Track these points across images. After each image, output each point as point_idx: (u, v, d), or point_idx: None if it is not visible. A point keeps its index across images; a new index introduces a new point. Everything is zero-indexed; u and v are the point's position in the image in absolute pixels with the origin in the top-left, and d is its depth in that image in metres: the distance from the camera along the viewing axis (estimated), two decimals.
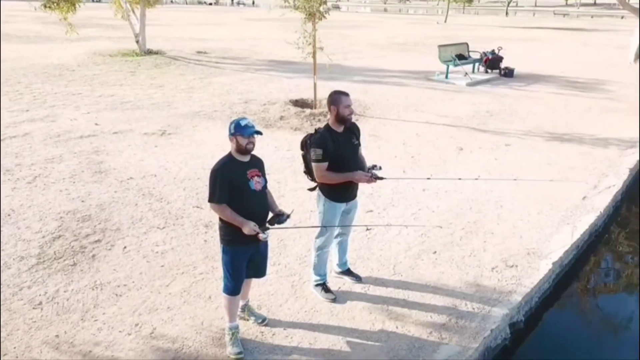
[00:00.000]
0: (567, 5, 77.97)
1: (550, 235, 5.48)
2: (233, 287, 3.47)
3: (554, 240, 5.39)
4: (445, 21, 39.74)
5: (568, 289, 5.31)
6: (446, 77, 13.83)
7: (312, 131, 3.99)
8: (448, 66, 13.89)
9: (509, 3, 57.07)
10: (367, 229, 5.07)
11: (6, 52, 15.36)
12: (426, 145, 8.35)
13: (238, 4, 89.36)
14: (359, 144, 3.98)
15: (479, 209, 6.02)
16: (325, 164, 3.71)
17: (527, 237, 5.41)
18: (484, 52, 15.22)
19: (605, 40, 26.87)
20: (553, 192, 6.50)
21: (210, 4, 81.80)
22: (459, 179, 4.93)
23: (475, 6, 60.51)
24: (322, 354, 3.55)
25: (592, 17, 54.72)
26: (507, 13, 55.60)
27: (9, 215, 5.16)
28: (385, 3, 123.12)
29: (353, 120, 3.98)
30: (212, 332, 3.69)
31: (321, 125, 4.13)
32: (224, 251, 3.46)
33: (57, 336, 3.56)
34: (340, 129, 3.82)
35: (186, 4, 79.54)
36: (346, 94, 3.82)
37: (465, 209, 6.00)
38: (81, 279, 4.23)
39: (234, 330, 3.51)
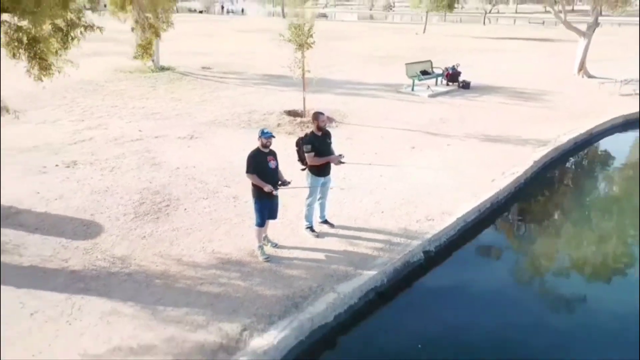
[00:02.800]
0: (545, 12, 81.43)
1: (461, 203, 8.29)
2: (260, 222, 6.22)
3: (462, 205, 8.21)
4: (424, 32, 42.81)
5: (473, 239, 8.11)
6: (412, 89, 16.69)
7: (303, 135, 6.76)
8: (414, 80, 16.76)
9: (486, 13, 60.15)
10: (329, 188, 7.81)
11: None
12: (388, 146, 11.13)
13: (227, 12, 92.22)
14: (331, 142, 6.76)
15: (418, 188, 8.80)
16: (313, 154, 6.48)
17: (445, 204, 8.20)
18: (445, 68, 18.12)
19: (569, 51, 29.77)
20: (473, 176, 9.35)
21: (201, 12, 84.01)
22: (369, 164, 7.70)
23: (457, 13, 63.08)
24: (310, 260, 6.30)
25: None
26: (484, 22, 58.71)
27: (106, 190, 7.88)
28: (370, 10, 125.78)
29: (330, 127, 6.74)
30: (247, 251, 6.42)
31: (308, 131, 6.89)
32: (255, 202, 6.20)
33: (160, 252, 6.28)
34: (319, 133, 6.61)
35: (176, 12, 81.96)
36: (322, 114, 6.61)
37: (409, 188, 8.77)
38: (163, 225, 6.95)
39: (261, 246, 6.27)
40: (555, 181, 11.19)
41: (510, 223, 9.02)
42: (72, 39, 6.20)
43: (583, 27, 20.69)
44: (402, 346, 5.51)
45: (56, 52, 6.25)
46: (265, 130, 6.17)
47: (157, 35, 8.80)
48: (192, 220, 7.14)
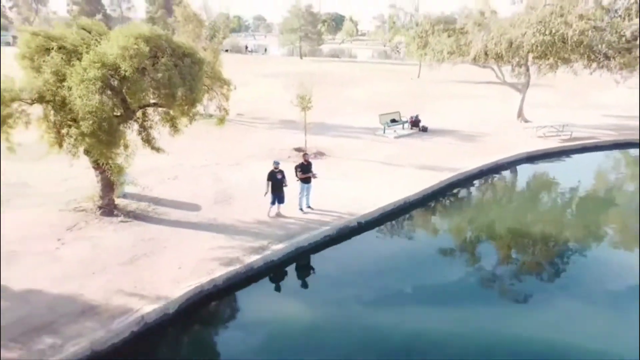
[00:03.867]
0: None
1: (385, 200, 15.32)
2: (272, 203, 13.48)
3: (384, 202, 15.25)
4: (418, 76, 50.31)
5: (390, 220, 15.12)
6: (384, 132, 23.91)
7: (297, 164, 14.04)
8: (385, 126, 24.00)
9: None
10: (310, 189, 14.95)
11: None
12: (354, 170, 18.26)
13: (251, 51, 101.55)
14: (311, 167, 14.01)
15: (364, 193, 15.88)
16: (301, 172, 13.73)
17: (377, 201, 15.22)
18: (411, 116, 25.33)
19: (528, 97, 36.66)
20: (399, 188, 16.39)
21: (226, 50, 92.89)
22: (334, 178, 14.92)
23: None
24: (298, 223, 13.42)
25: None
26: None
27: (198, 191, 15.15)
28: (384, 46, 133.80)
29: (320, 158, 13.99)
30: (263, 216, 13.56)
31: (299, 161, 14.12)
32: (272, 194, 13.43)
33: (230, 216, 13.47)
34: (305, 163, 13.89)
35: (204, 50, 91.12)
36: (307, 154, 13.97)
37: (358, 192, 15.85)
38: (229, 207, 14.16)
39: (271, 215, 13.48)
40: (453, 192, 18.11)
41: (416, 212, 16.00)
42: (195, 120, 13.50)
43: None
44: (338, 261, 12.57)
45: (186, 125, 13.59)
46: (276, 161, 13.48)
47: (228, 113, 15.90)
48: (242, 205, 14.35)
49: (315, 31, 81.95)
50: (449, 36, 25.88)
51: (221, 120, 14.95)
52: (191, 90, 12.08)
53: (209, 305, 10.30)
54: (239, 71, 44.91)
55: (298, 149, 20.26)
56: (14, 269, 10.45)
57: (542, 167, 21.68)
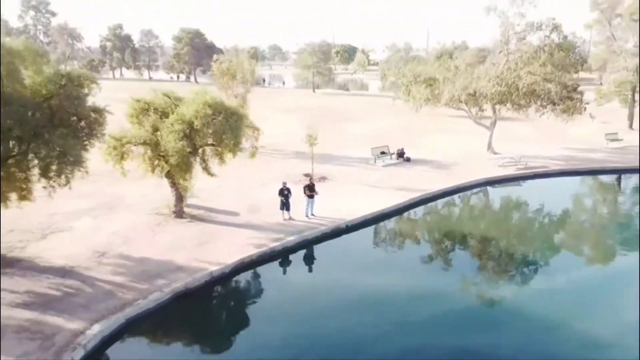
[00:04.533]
0: None
1: (367, 211, 21.72)
2: (281, 209, 19.99)
3: (366, 212, 21.65)
4: (416, 111, 56.86)
5: (370, 225, 21.51)
6: (375, 162, 30.43)
7: (304, 184, 20.61)
8: (375, 157, 30.54)
9: None
10: (314, 202, 21.43)
11: None
12: (349, 191, 24.72)
13: (269, 84, 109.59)
14: (315, 187, 20.55)
15: (354, 206, 22.29)
16: (308, 190, 20.29)
17: (361, 211, 21.64)
18: (397, 149, 31.84)
19: (499, 132, 42.63)
20: (380, 202, 22.83)
21: None
22: (318, 194, 21.48)
23: None
24: (304, 225, 19.88)
25: None
26: None
27: (236, 204, 21.72)
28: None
29: (323, 182, 20.55)
30: (280, 220, 20.05)
31: (306, 183, 20.66)
32: (281, 203, 19.98)
33: (259, 218, 19.99)
34: (311, 184, 20.45)
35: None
36: (312, 177, 20.59)
37: (350, 205, 22.28)
38: (257, 214, 20.69)
39: (285, 219, 20.00)
40: (420, 207, 24.40)
41: (389, 220, 22.33)
42: (236, 154, 20.12)
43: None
44: (332, 249, 18.99)
45: (230, 158, 20.23)
46: (284, 181, 20.15)
47: (257, 149, 22.54)
48: (266, 213, 20.83)
49: (327, 67, 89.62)
50: (428, 85, 32.56)
51: (253, 155, 21.56)
52: (236, 137, 18.81)
53: (248, 270, 16.75)
54: (257, 105, 52.04)
55: (306, 174, 26.85)
56: (131, 246, 17.09)
57: (497, 189, 27.95)
